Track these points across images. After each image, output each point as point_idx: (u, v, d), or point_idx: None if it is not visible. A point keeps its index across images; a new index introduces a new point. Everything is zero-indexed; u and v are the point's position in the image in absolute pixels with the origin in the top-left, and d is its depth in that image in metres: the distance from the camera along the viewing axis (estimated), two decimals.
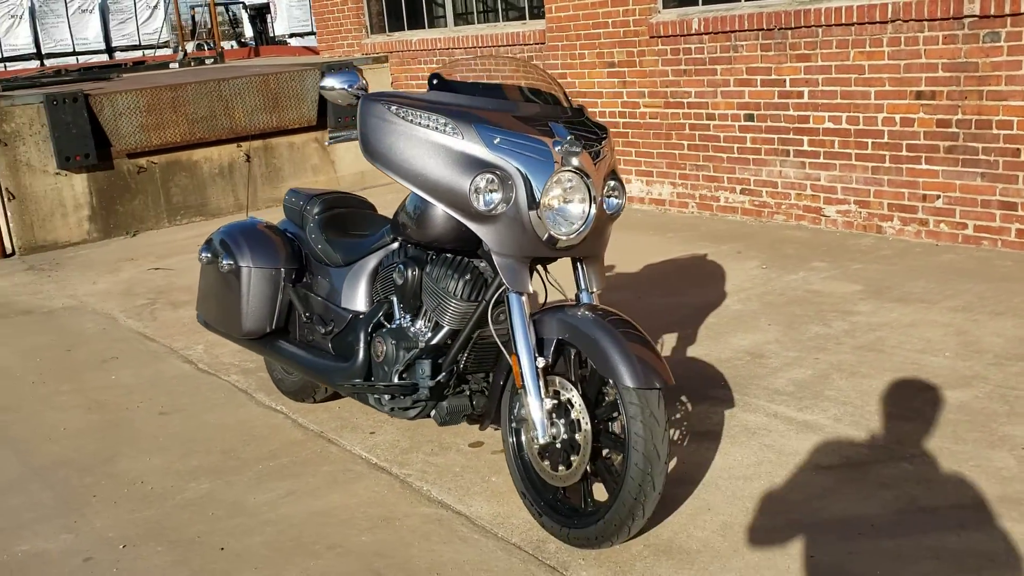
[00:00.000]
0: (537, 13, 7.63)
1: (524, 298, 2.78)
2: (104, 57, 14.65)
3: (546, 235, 2.73)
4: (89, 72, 9.89)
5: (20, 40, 15.42)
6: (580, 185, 2.75)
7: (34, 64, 15.36)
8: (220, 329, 3.79)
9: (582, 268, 2.91)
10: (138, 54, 13.48)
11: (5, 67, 15.56)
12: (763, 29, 6.02)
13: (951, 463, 3.03)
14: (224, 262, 3.61)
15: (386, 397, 3.14)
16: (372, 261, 3.40)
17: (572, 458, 2.71)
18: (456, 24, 8.43)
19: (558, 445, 2.73)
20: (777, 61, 6.02)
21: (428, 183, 2.72)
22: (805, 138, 6.00)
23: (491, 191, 2.68)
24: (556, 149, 2.71)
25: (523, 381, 2.70)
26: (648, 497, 2.55)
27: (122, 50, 15.74)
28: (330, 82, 2.92)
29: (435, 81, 2.87)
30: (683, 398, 3.67)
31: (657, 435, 2.53)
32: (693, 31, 6.41)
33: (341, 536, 2.89)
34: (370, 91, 2.92)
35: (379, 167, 2.80)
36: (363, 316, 3.32)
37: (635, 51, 6.85)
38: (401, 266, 3.13)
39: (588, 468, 2.70)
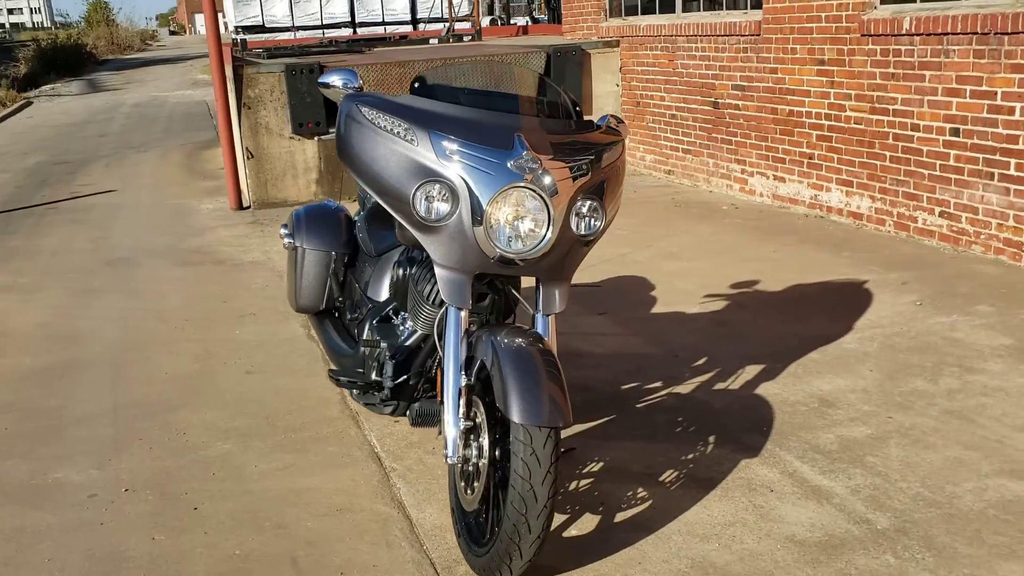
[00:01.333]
0: (756, 3, 7.21)
1: (463, 314, 2.74)
2: (382, 29, 15.66)
3: (496, 252, 2.66)
4: (355, 44, 10.71)
5: (338, 9, 16.93)
6: (535, 203, 2.65)
7: (348, 32, 16.78)
8: (288, 301, 4.06)
9: (541, 289, 2.81)
10: (416, 28, 14.27)
11: (323, 33, 17.11)
12: (977, 33, 5.30)
13: (952, 572, 2.60)
14: (287, 240, 3.86)
15: (355, 391, 3.22)
16: (396, 254, 3.48)
17: (475, 483, 2.66)
18: (684, 11, 8.17)
19: (470, 467, 2.68)
20: (990, 70, 5.28)
21: (381, 187, 2.74)
22: (1012, 160, 5.24)
23: (435, 201, 2.65)
24: (510, 163, 2.63)
25: (442, 398, 2.68)
26: (523, 539, 2.45)
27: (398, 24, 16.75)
28: (328, 79, 3.00)
29: (416, 84, 2.88)
30: (710, 438, 3.42)
31: (537, 476, 2.42)
32: (904, 31, 5.77)
33: (293, 517, 3.04)
34: (364, 91, 2.98)
35: (345, 166, 2.86)
36: (373, 308, 3.42)
37: (845, 49, 6.29)
38: (397, 263, 3.19)
39: (492, 496, 2.63)
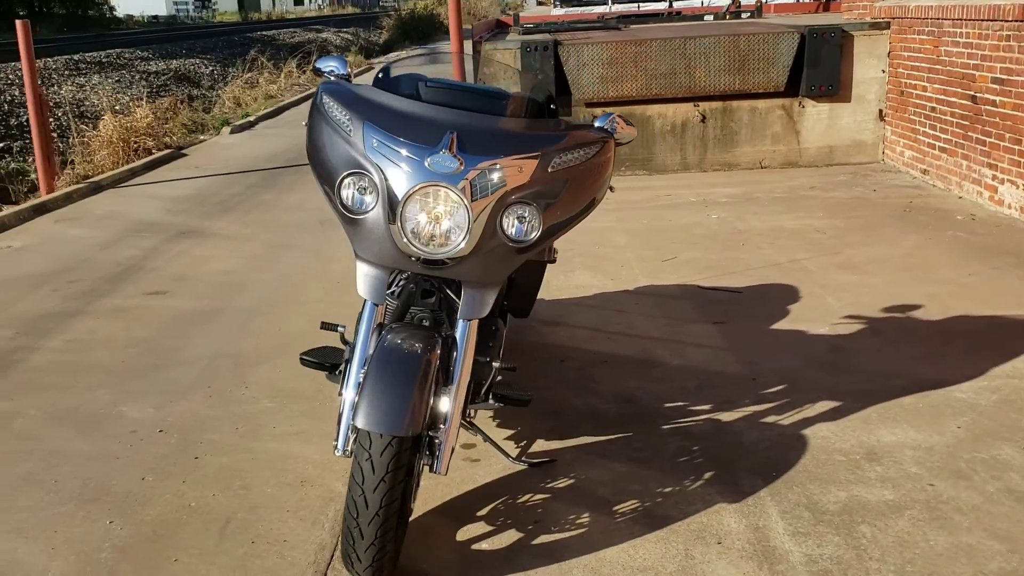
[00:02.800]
0: None
1: (379, 309, 2.73)
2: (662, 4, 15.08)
3: (411, 251, 2.63)
4: (625, 20, 10.57)
5: None
6: (452, 204, 2.58)
7: (631, 7, 16.57)
8: None
9: (462, 291, 2.72)
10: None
11: (639, 7, 17.08)
12: None
13: None
14: None
15: (326, 374, 3.30)
16: None
17: None
18: None
19: None
20: None
21: (320, 174, 2.76)
22: None
23: (356, 192, 2.66)
24: (427, 161, 2.57)
25: (341, 390, 2.70)
26: (357, 544, 2.42)
27: None
28: (321, 65, 3.06)
29: (380, 75, 2.88)
30: (706, 474, 3.12)
31: (369, 483, 2.37)
32: None
33: (261, 481, 3.22)
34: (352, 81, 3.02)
35: (307, 153, 2.93)
36: None
37: None
38: None
39: None
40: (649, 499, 2.99)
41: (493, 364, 2.98)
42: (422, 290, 2.89)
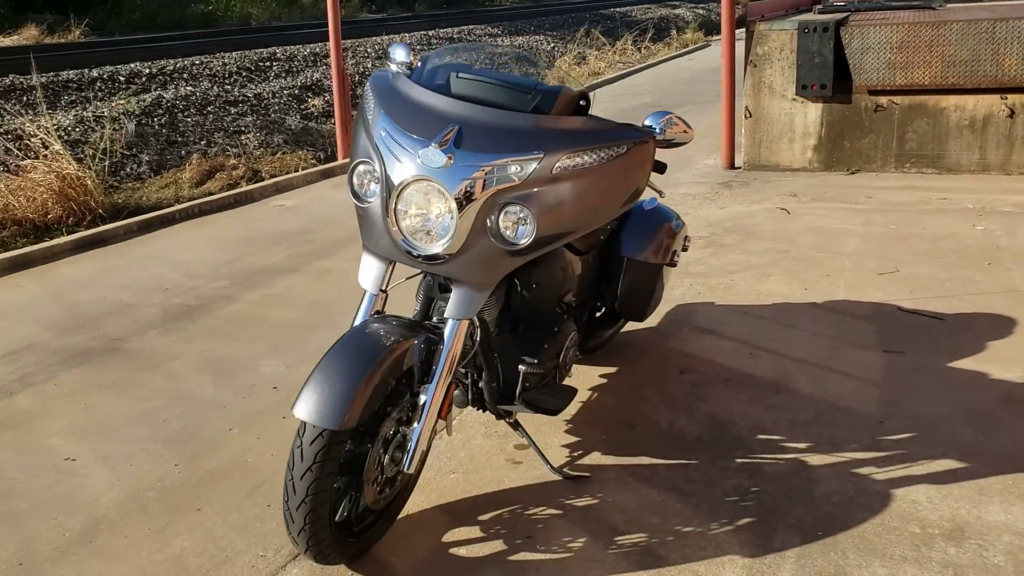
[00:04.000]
0: None
1: (376, 297, 2.73)
2: None
3: (400, 244, 2.61)
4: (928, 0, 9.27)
5: None
6: (436, 199, 2.52)
7: None
8: None
9: (453, 289, 2.64)
10: None
11: None
12: None
13: None
14: None
15: None
16: None
17: None
18: None
19: None
20: None
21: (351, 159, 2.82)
22: None
23: (365, 181, 2.68)
24: (419, 154, 2.53)
25: None
26: (291, 528, 2.45)
27: None
28: (390, 51, 3.07)
29: (420, 63, 2.85)
30: (741, 521, 2.77)
31: (298, 471, 2.38)
32: None
33: (261, 446, 3.38)
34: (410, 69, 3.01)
35: None
36: None
37: None
38: None
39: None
40: (659, 536, 2.72)
41: (520, 367, 2.86)
42: (438, 284, 2.84)
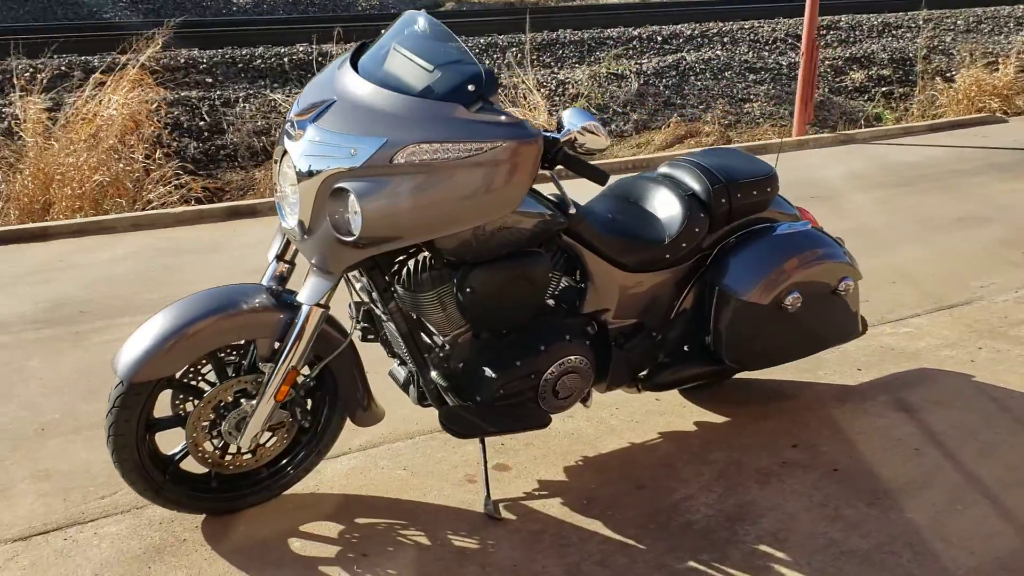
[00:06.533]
0: None
1: (278, 267, 2.62)
2: None
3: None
4: None
5: None
6: (291, 174, 2.41)
7: None
8: None
9: (309, 272, 2.47)
10: None
11: None
12: None
13: None
14: None
15: None
16: None
17: None
18: None
19: None
20: None
21: None
22: None
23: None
24: (288, 127, 2.42)
25: None
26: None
27: None
28: None
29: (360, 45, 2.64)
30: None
31: (106, 414, 2.44)
32: None
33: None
34: None
35: None
36: None
37: None
38: None
39: None
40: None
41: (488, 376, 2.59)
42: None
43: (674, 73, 10.55)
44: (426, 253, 2.56)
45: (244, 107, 8.40)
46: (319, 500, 2.74)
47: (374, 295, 2.57)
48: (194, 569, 2.42)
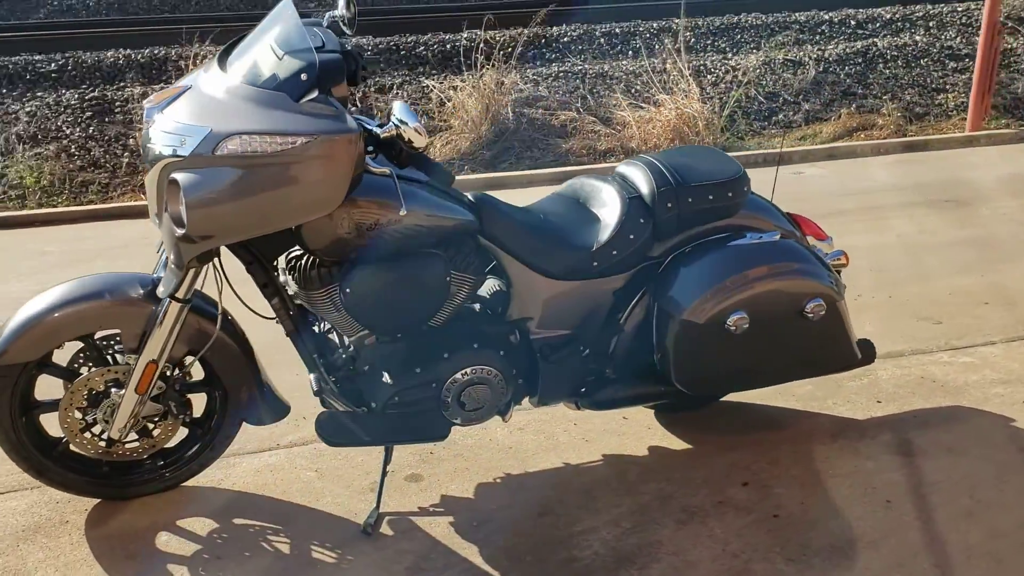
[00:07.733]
0: None
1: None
2: None
3: None
4: None
5: None
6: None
7: None
8: None
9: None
10: None
11: None
12: None
13: None
14: None
15: None
16: None
17: None
18: None
19: None
20: None
21: None
22: None
23: None
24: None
25: None
26: None
27: None
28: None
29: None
30: None
31: None
32: None
33: None
34: None
35: None
36: None
37: None
38: None
39: None
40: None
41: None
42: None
43: (860, 60, 9.70)
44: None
45: None
46: (213, 495, 2.68)
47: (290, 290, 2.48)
48: (56, 551, 2.43)
